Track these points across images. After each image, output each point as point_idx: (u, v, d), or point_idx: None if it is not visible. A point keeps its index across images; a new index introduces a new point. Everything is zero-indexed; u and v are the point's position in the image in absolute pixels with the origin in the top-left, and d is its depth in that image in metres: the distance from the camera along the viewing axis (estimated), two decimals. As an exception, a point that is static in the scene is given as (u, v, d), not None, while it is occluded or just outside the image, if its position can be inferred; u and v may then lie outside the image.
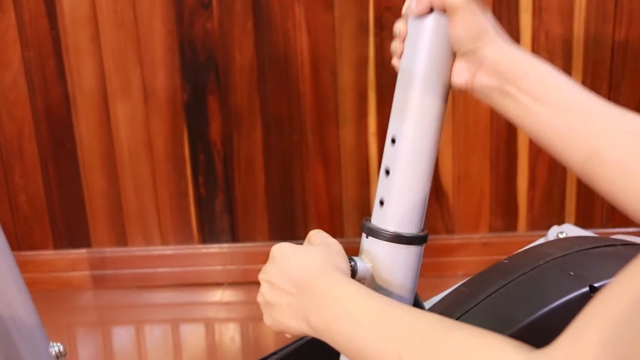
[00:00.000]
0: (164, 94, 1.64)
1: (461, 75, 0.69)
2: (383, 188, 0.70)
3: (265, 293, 0.67)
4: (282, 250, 0.67)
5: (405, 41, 0.69)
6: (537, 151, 1.66)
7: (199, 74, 1.63)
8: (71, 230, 1.73)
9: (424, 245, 0.71)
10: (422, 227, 0.71)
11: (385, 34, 1.58)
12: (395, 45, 0.71)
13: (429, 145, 0.69)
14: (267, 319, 0.67)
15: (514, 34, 1.58)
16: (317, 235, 0.69)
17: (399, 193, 0.69)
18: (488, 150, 1.66)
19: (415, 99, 0.68)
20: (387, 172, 0.70)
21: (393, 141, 0.69)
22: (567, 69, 1.60)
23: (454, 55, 0.69)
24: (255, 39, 1.60)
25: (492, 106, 0.68)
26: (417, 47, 0.68)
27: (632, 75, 1.61)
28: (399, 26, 0.70)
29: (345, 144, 1.66)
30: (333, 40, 1.59)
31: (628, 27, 1.58)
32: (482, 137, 1.65)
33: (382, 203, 0.70)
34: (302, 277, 0.64)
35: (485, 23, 0.67)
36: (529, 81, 0.65)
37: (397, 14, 0.68)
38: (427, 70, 0.68)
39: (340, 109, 1.64)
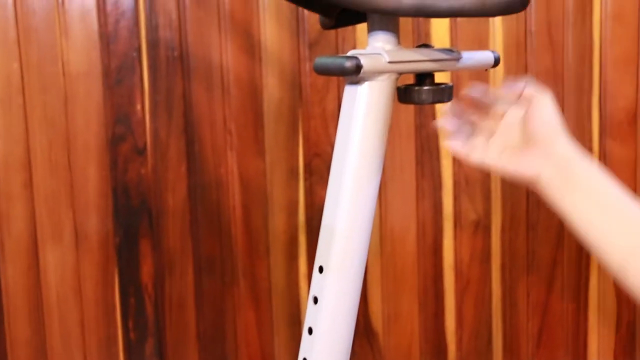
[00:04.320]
0: (96, 238, 1.64)
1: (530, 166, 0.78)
2: (305, 347, 0.72)
3: None
4: None
5: None
6: (462, 290, 1.71)
7: (131, 217, 1.64)
8: (-9, 380, 1.66)
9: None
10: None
11: (314, 178, 1.64)
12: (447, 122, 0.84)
13: (353, 300, 0.72)
14: None
15: (437, 180, 1.66)
16: None
17: (322, 351, 0.71)
18: (416, 290, 1.70)
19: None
20: (310, 331, 0.72)
21: (315, 300, 0.72)
22: (487, 210, 1.69)
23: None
24: (189, 183, 1.64)
25: (546, 198, 0.76)
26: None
27: (546, 216, 1.70)
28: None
29: (276, 286, 1.68)
30: (264, 185, 1.65)
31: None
32: (410, 277, 1.70)
33: None
34: None
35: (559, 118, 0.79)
36: (589, 183, 0.74)
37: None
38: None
39: (271, 251, 1.67)
